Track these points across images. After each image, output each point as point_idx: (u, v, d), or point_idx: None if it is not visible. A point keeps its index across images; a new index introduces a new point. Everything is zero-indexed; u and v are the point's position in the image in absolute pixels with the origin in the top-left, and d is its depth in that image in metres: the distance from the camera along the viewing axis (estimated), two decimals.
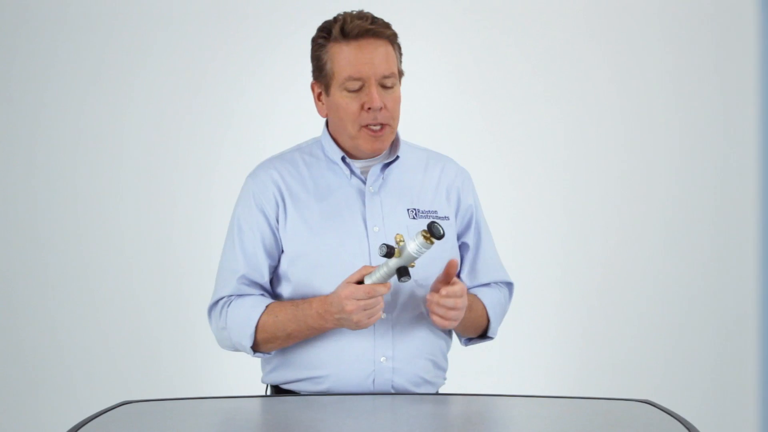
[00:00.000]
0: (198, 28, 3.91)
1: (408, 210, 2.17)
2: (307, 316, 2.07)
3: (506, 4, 3.94)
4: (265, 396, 2.17)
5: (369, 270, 2.01)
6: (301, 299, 2.12)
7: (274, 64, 3.91)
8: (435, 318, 2.05)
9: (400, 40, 2.17)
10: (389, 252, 1.96)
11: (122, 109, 3.91)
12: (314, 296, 2.11)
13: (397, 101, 2.13)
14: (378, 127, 2.10)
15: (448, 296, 2.02)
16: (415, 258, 1.97)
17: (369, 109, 2.08)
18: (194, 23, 3.91)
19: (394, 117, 2.13)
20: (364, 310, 1.99)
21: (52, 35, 3.89)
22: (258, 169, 2.22)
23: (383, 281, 2.00)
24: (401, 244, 1.97)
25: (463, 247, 2.25)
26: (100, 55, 3.90)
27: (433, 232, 1.94)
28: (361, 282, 2.01)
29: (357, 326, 2.02)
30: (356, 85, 2.08)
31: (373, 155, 2.16)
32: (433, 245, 1.95)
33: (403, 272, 1.96)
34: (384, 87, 2.10)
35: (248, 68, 3.92)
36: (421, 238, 1.94)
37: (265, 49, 3.92)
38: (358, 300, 1.99)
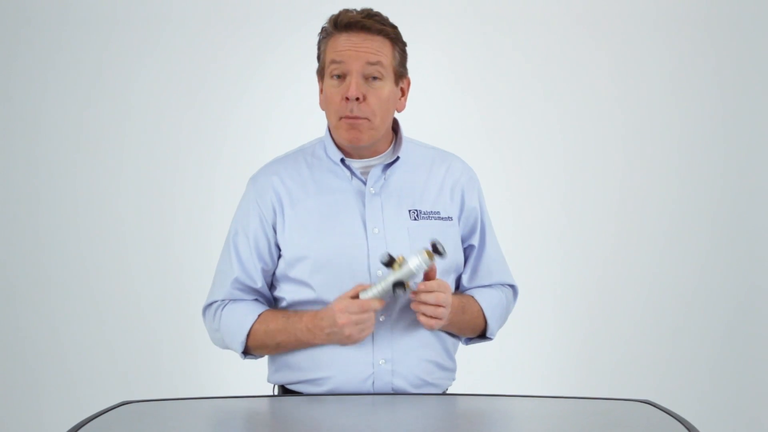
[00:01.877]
0: (198, 29, 3.91)
1: (410, 211, 2.16)
2: (297, 330, 2.09)
3: (507, 6, 3.94)
4: (264, 396, 2.17)
5: (364, 287, 2.02)
6: (293, 311, 2.13)
7: (274, 65, 3.91)
8: (421, 318, 2.05)
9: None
10: (390, 261, 1.98)
11: (122, 110, 3.91)
12: (314, 300, 2.12)
13: (383, 98, 2.10)
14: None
15: (426, 290, 2.02)
16: (415, 274, 1.99)
17: (347, 99, 2.08)
18: (195, 24, 3.91)
19: (375, 113, 2.09)
20: (356, 324, 2.01)
21: (52, 36, 3.89)
22: (259, 173, 2.22)
23: (378, 297, 2.01)
24: (403, 260, 1.99)
25: (468, 249, 2.25)
26: (100, 56, 3.91)
27: (436, 250, 1.97)
28: (356, 297, 2.02)
29: (348, 340, 2.04)
30: (339, 69, 2.08)
31: (351, 146, 2.14)
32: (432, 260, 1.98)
33: (399, 285, 1.98)
34: (369, 80, 2.08)
35: (248, 69, 3.92)
36: (424, 255, 1.97)
37: (265, 50, 3.92)
38: (350, 314, 2.00)
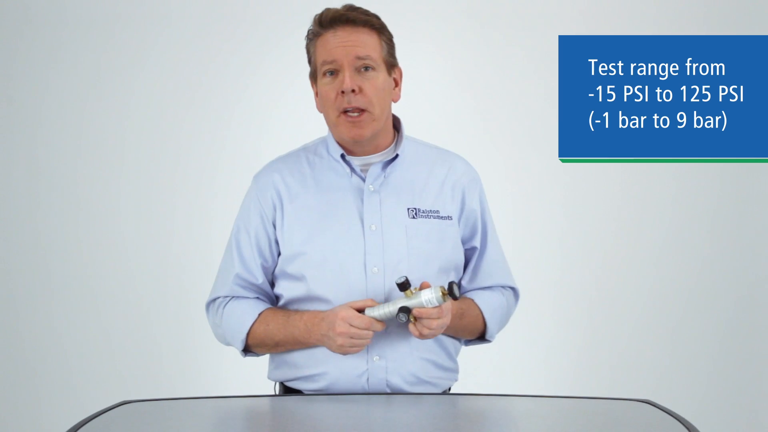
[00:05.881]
0: (198, 29, 3.92)
1: (408, 209, 2.16)
2: (295, 328, 2.11)
3: (507, 5, 3.94)
4: (264, 396, 2.18)
5: (373, 303, 2.03)
6: (295, 311, 2.14)
7: (273, 66, 3.91)
8: (411, 329, 2.04)
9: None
10: (404, 284, 1.98)
11: (122, 110, 3.92)
12: (310, 296, 2.12)
13: (378, 88, 2.10)
14: (356, 114, 2.10)
15: (426, 317, 2.01)
16: (424, 307, 1.99)
17: (343, 93, 2.08)
18: (195, 24, 3.92)
19: (373, 102, 2.10)
20: (351, 338, 2.02)
21: (52, 36, 3.89)
22: (262, 171, 2.24)
23: (383, 318, 2.02)
24: (417, 290, 2.00)
25: (470, 252, 2.25)
26: (100, 56, 3.91)
27: (451, 291, 1.98)
28: (361, 311, 2.03)
29: (338, 350, 2.05)
30: (331, 68, 2.09)
31: (354, 142, 2.14)
32: (445, 300, 1.99)
33: (405, 310, 1.99)
34: (361, 72, 2.09)
35: (248, 69, 3.92)
36: (439, 293, 1.98)
37: (264, 51, 3.92)
38: (351, 327, 2.01)
